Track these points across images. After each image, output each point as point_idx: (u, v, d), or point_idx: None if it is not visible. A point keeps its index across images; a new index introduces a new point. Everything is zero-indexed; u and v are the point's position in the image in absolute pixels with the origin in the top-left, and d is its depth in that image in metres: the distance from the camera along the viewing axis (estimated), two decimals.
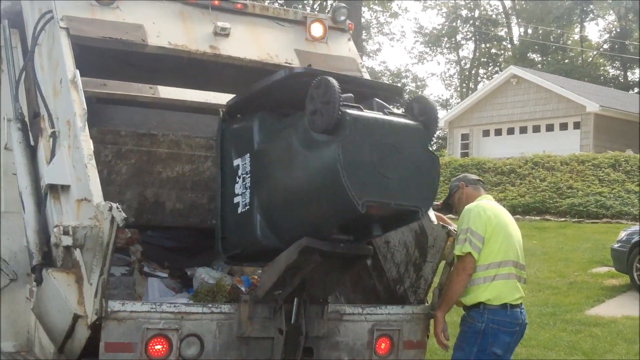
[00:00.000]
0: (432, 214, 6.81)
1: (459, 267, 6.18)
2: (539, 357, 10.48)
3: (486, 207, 6.37)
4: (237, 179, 6.17)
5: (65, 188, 6.20)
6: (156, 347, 5.59)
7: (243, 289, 6.55)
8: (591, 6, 56.13)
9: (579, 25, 58.66)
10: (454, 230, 6.35)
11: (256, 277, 6.65)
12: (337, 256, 5.49)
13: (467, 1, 62.20)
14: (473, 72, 63.13)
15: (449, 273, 6.30)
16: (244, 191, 6.10)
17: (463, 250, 6.14)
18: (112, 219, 5.22)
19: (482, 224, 6.22)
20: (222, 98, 6.90)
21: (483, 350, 6.19)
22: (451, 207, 6.87)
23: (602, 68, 57.74)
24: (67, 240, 5.39)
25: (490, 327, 6.17)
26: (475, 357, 6.19)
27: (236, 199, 6.15)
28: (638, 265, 14.82)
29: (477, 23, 60.50)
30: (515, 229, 6.54)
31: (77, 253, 5.64)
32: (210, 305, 5.96)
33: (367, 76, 7.80)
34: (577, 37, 59.23)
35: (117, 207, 5.22)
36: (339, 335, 6.20)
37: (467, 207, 6.41)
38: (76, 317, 5.51)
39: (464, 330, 6.33)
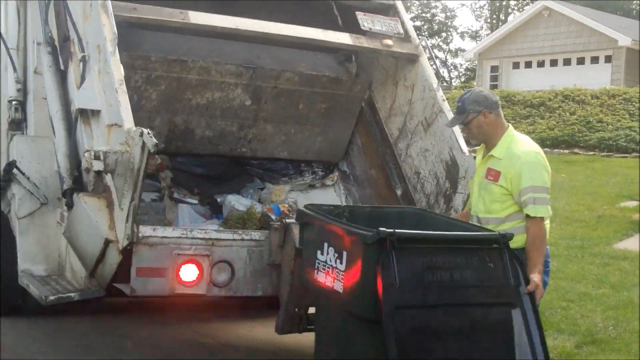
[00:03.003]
0: (463, 144, 6.71)
1: (543, 229, 5.49)
2: (566, 289, 10.44)
3: (542, 156, 5.61)
4: None
5: (96, 113, 6.17)
6: (187, 272, 5.63)
7: (273, 217, 6.54)
8: None
9: None
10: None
11: (286, 205, 6.63)
12: None
13: None
14: (504, 3, 62.16)
15: (531, 235, 5.42)
16: None
17: (548, 213, 5.51)
18: (143, 144, 5.19)
19: (549, 178, 5.58)
20: (252, 25, 6.79)
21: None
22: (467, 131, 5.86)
23: (635, 1, 56.66)
24: (98, 165, 5.38)
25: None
26: None
27: None
28: None
29: None
30: None
31: (108, 178, 5.64)
32: (240, 232, 5.97)
33: (399, 5, 7.64)
34: None
35: (148, 133, 5.20)
36: None
37: (528, 156, 5.48)
38: (107, 242, 5.53)
39: None
